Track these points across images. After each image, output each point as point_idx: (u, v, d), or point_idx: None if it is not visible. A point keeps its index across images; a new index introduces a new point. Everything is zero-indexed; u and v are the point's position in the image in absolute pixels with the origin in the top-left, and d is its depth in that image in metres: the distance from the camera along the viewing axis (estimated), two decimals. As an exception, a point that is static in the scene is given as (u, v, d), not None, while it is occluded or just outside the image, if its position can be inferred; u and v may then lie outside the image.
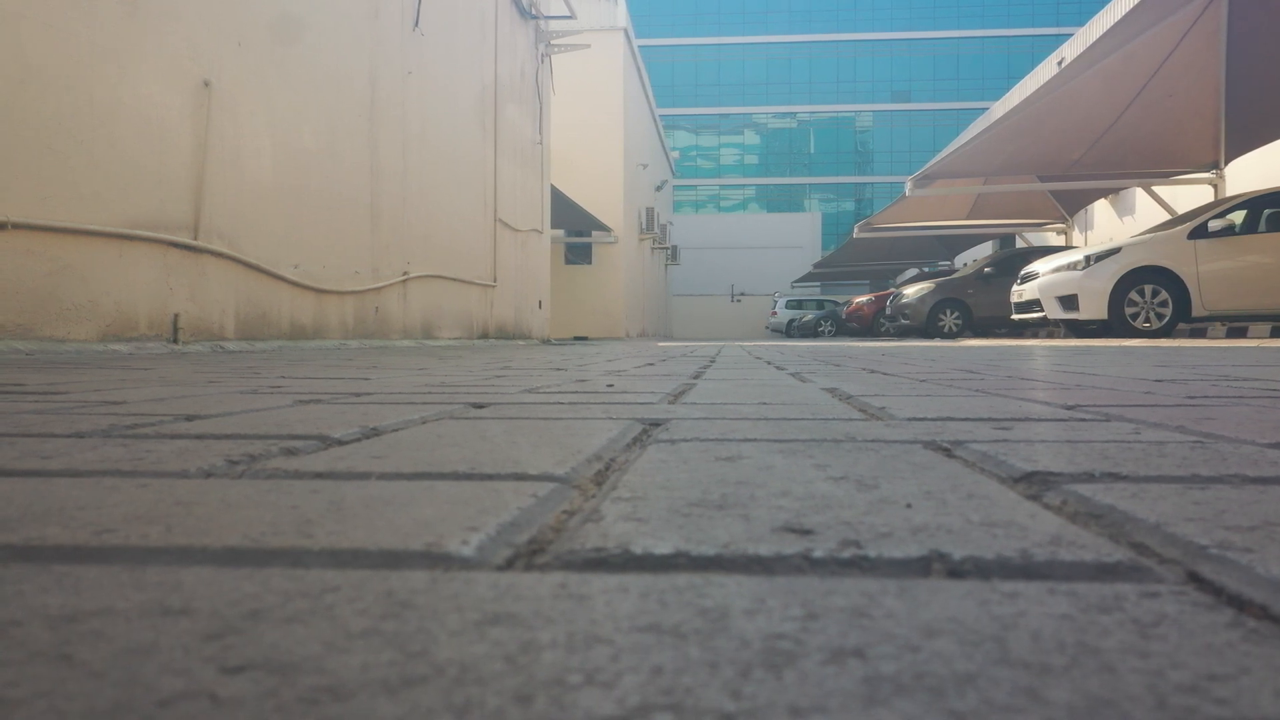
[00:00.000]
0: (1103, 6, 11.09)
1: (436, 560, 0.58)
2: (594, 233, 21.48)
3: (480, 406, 1.72)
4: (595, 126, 20.94)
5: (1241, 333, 11.22)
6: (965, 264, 21.63)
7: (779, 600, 0.49)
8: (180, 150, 5.51)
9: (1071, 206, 17.97)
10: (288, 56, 6.70)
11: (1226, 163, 13.14)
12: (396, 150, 8.58)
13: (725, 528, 0.66)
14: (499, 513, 0.71)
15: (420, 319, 9.27)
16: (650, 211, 26.16)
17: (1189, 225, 9.90)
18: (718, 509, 0.73)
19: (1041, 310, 10.86)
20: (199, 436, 1.21)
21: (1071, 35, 12.21)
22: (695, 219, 45.71)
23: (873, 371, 3.18)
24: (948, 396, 1.93)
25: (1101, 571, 0.55)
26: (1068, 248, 14.90)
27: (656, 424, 1.39)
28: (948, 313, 15.04)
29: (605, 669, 0.39)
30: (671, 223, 37.53)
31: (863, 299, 21.18)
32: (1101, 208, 17.30)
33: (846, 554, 0.58)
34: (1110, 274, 9.85)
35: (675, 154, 42.64)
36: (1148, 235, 10.30)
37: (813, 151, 57.94)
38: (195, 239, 5.63)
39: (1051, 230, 19.12)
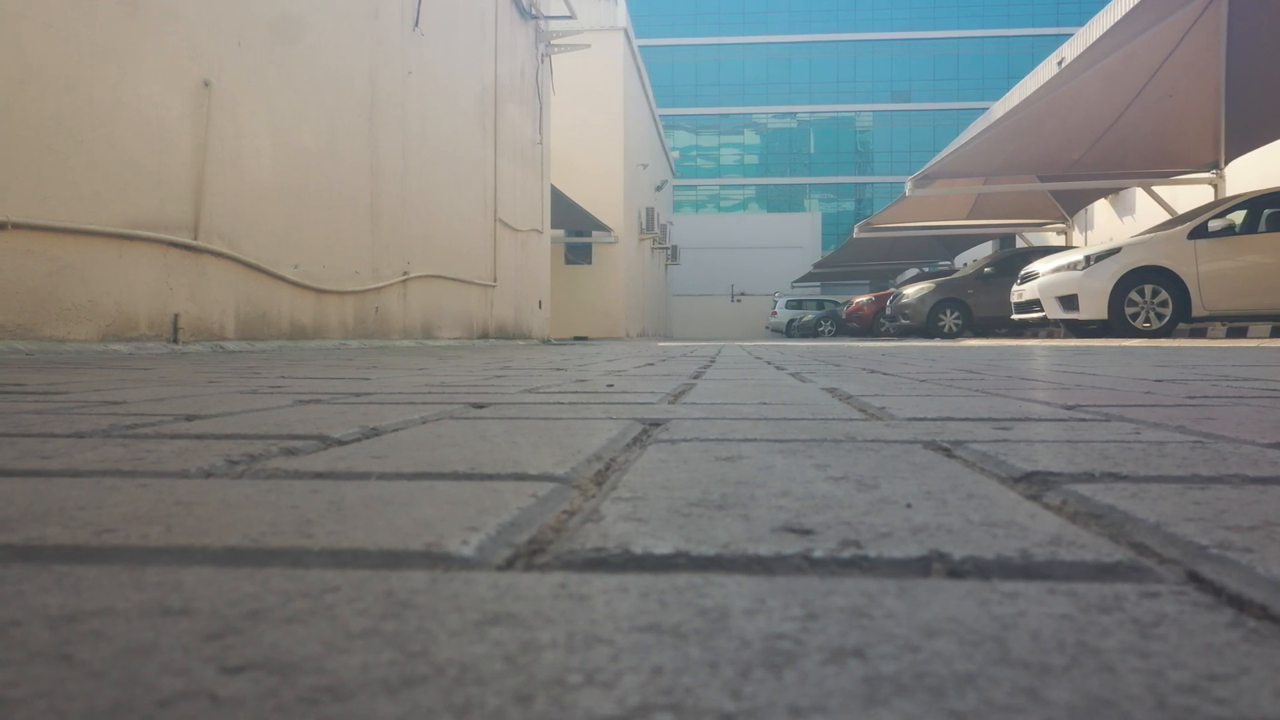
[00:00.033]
0: (1103, 6, 11.09)
1: (436, 560, 0.58)
2: (594, 233, 21.48)
3: (480, 406, 1.72)
4: (595, 126, 20.94)
5: (1241, 333, 11.22)
6: (965, 264, 21.63)
7: (779, 600, 0.49)
8: (180, 150, 5.52)
9: (1071, 206, 17.97)
10: (288, 56, 6.70)
11: (1226, 163, 13.15)
12: (396, 150, 8.58)
13: (725, 528, 0.66)
14: (499, 513, 0.71)
15: (420, 319, 9.27)
16: (650, 211, 26.16)
17: (1189, 225, 9.90)
18: (718, 509, 0.73)
19: (1041, 310, 10.87)
20: (199, 436, 1.21)
21: (1071, 35, 12.21)
22: (695, 219, 45.71)
23: (872, 371, 3.18)
24: (948, 396, 1.93)
25: (1101, 571, 0.55)
26: (1068, 248, 14.90)
27: (656, 424, 1.39)
28: (948, 313, 15.04)
29: (605, 669, 0.39)
30: (671, 223, 37.53)
31: (863, 299, 21.18)
32: (1101, 208, 17.30)
33: (846, 554, 0.58)
34: (1110, 274, 9.85)
35: (675, 154, 42.64)
36: (1148, 235, 10.30)
37: (813, 151, 57.94)
38: (195, 239, 5.63)
39: (1051, 230, 19.12)
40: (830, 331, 27.16)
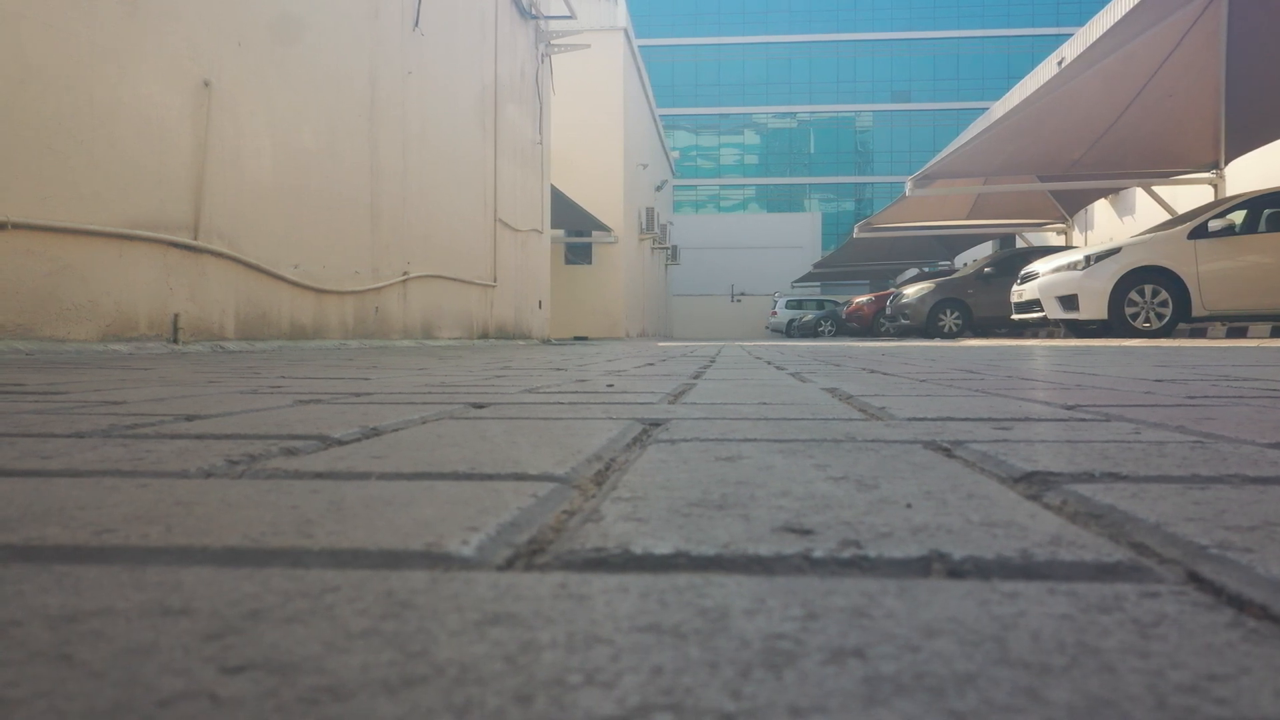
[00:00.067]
0: (1103, 6, 11.09)
1: (436, 560, 0.58)
2: (594, 233, 21.48)
3: (480, 406, 1.72)
4: (595, 126, 20.94)
5: (1241, 333, 11.22)
6: (965, 264, 21.62)
7: (779, 600, 0.49)
8: (180, 150, 5.52)
9: (1071, 206, 17.97)
10: (288, 56, 6.70)
11: (1226, 163, 13.15)
12: (396, 150, 8.58)
13: (725, 528, 0.66)
14: (499, 513, 0.71)
15: (420, 319, 9.27)
16: (650, 211, 26.16)
17: (1189, 225, 9.90)
18: (718, 509, 0.73)
19: (1041, 310, 10.87)
20: (199, 436, 1.21)
21: (1071, 35, 12.21)
22: (695, 219, 45.71)
23: (872, 371, 3.18)
24: (948, 396, 1.93)
25: (1101, 571, 0.55)
26: (1068, 248, 14.90)
27: (656, 424, 1.39)
28: (948, 313, 15.04)
29: (605, 669, 0.39)
30: (671, 223, 37.53)
31: (863, 299, 21.17)
32: (1101, 208, 17.31)
33: (846, 554, 0.58)
34: (1110, 274, 9.85)
35: (675, 154, 42.65)
36: (1148, 235, 10.30)
37: (813, 151, 57.95)
38: (195, 239, 5.64)
39: (1051, 230, 19.12)
40: (830, 331, 27.16)
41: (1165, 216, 13.45)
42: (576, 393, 2.09)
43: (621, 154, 21.46)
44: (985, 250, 23.76)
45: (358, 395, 1.99)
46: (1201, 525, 0.65)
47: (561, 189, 16.66)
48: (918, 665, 0.39)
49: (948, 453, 1.06)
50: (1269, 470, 0.91)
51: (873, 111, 57.20)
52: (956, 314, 14.99)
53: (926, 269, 26.79)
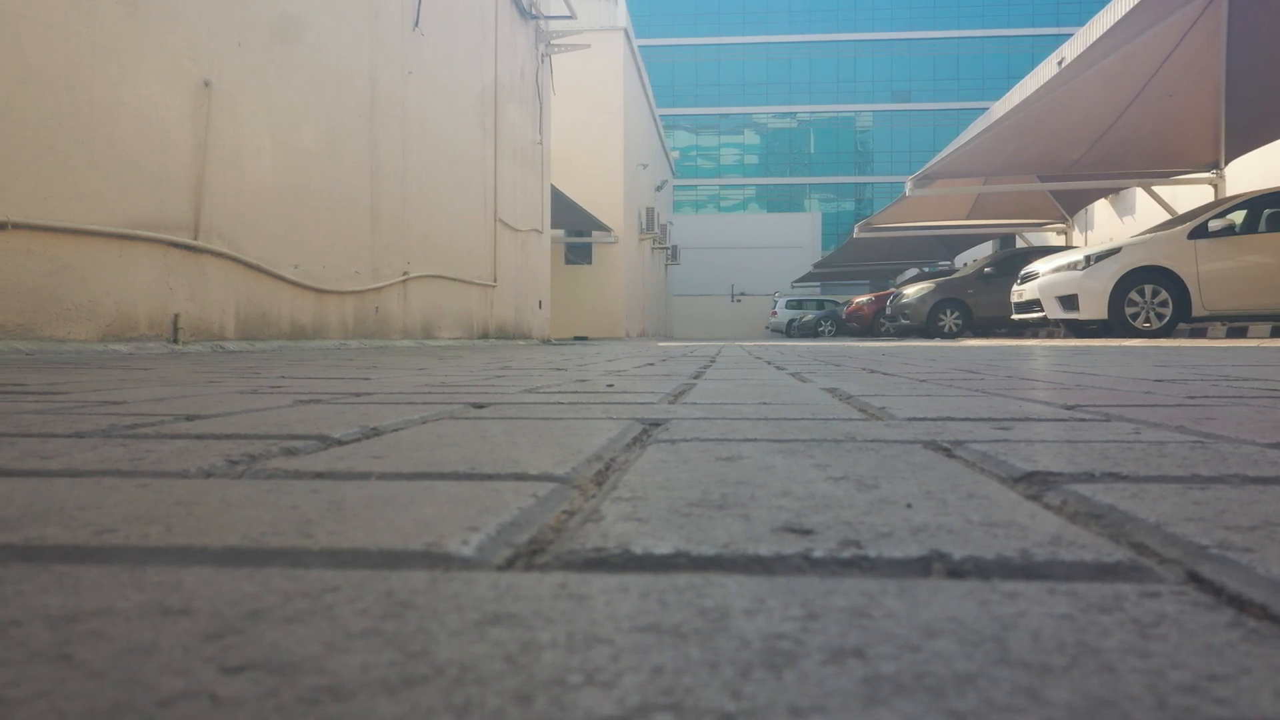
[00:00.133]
0: (1103, 6, 11.09)
1: (436, 560, 0.58)
2: (594, 233, 21.48)
3: (480, 406, 1.72)
4: (595, 126, 20.94)
5: (1241, 333, 11.22)
6: (965, 264, 21.63)
7: (779, 600, 0.49)
8: (180, 150, 5.52)
9: (1071, 206, 17.97)
10: (288, 56, 6.70)
11: (1226, 163, 13.15)
12: (396, 150, 8.58)
13: (725, 528, 0.66)
14: (499, 513, 0.71)
15: (420, 319, 9.27)
16: (650, 211, 26.16)
17: (1189, 225, 9.91)
18: (718, 509, 0.73)
19: (1041, 310, 10.87)
20: (199, 436, 1.21)
21: (1071, 35, 12.21)
22: (695, 219, 45.71)
23: (873, 371, 3.18)
24: (948, 396, 1.93)
25: (1101, 571, 0.55)
26: (1068, 248, 14.90)
27: (656, 424, 1.39)
28: (948, 313, 15.04)
29: (605, 669, 0.39)
30: (671, 223, 37.53)
31: (863, 299, 21.18)
32: (1101, 208, 17.31)
33: (846, 554, 0.58)
34: (1110, 274, 9.85)
35: (675, 154, 42.65)
36: (1148, 235, 10.30)
37: (813, 151, 57.95)
38: (195, 239, 5.64)
39: (1051, 230, 19.12)
40: (830, 331, 27.16)
41: (1165, 216, 13.45)
42: (576, 393, 2.09)
43: (621, 154, 21.46)
44: (985, 250, 23.76)
45: (358, 395, 1.99)
46: (1201, 525, 0.65)
47: (561, 189, 16.66)
48: (918, 665, 0.39)
49: (948, 453, 1.06)
50: (1269, 470, 0.91)
51: (873, 111, 57.20)
52: (956, 314, 14.99)
53: (926, 269, 26.79)
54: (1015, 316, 11.89)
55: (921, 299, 15.18)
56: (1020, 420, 1.41)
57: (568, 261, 21.81)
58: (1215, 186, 13.39)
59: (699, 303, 40.07)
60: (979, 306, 14.82)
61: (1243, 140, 12.47)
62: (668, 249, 33.10)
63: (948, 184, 16.42)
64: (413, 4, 8.84)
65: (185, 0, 5.53)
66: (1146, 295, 9.82)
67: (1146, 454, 1.02)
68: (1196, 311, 9.76)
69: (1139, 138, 13.23)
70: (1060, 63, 11.89)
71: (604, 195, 21.01)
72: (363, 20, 7.89)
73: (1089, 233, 17.85)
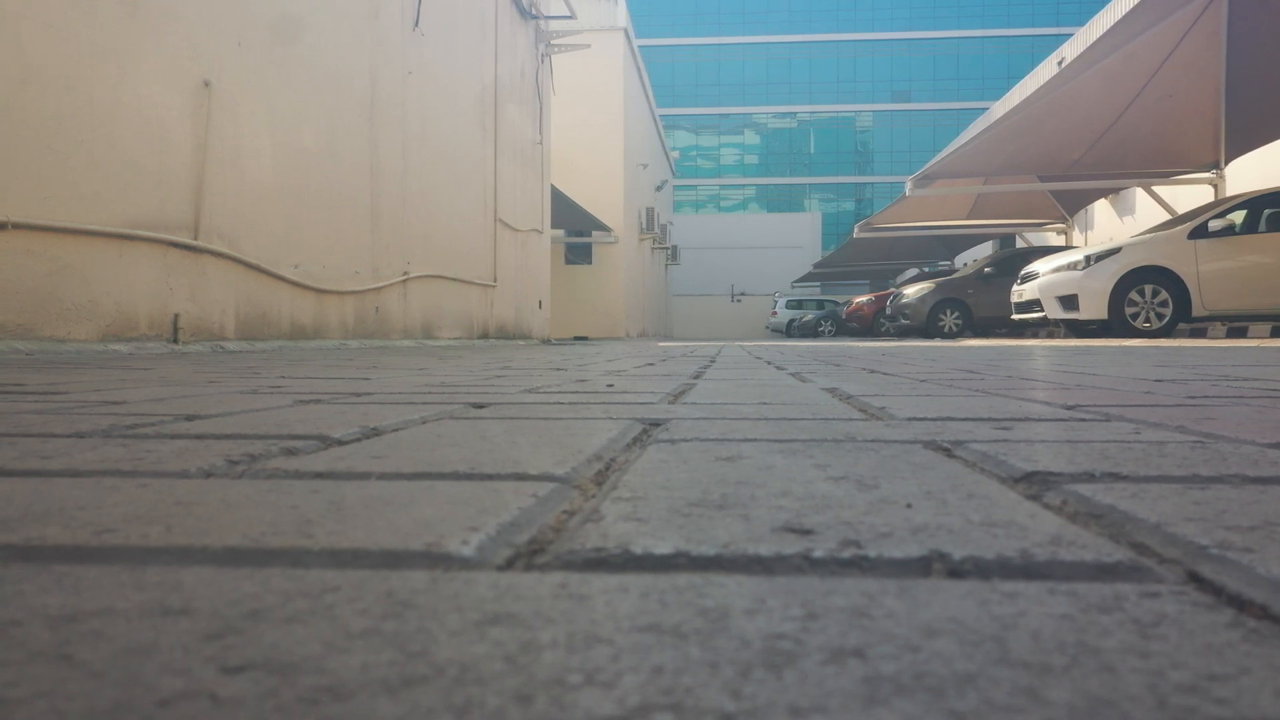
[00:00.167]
0: (1103, 6, 11.09)
1: (436, 560, 0.58)
2: (594, 233, 21.48)
3: (480, 406, 1.72)
4: (595, 126, 20.94)
5: (1241, 333, 11.22)
6: (965, 264, 21.63)
7: (779, 600, 0.49)
8: (180, 150, 5.52)
9: (1071, 206, 17.97)
10: (288, 56, 6.70)
11: (1226, 163, 13.15)
12: (396, 150, 8.58)
13: (725, 528, 0.66)
14: (499, 513, 0.71)
15: (420, 319, 9.27)
16: (650, 211, 26.16)
17: (1189, 225, 9.91)
18: (718, 509, 0.73)
19: (1041, 310, 10.87)
20: (199, 436, 1.21)
21: (1071, 35, 12.21)
22: (695, 219, 45.71)
23: (873, 371, 3.18)
24: (948, 396, 1.93)
25: (1101, 571, 0.55)
26: (1068, 248, 14.90)
27: (656, 424, 1.39)
28: (948, 313, 15.04)
29: (605, 669, 0.39)
30: (671, 223, 37.53)
31: (863, 299, 21.17)
32: (1101, 208, 17.31)
33: (846, 554, 0.58)
34: (1110, 274, 9.85)
35: (675, 154, 42.65)
36: (1148, 235, 10.30)
37: (813, 151, 57.95)
38: (195, 239, 5.64)
39: (1051, 230, 19.12)
40: (830, 331, 27.16)
41: (1165, 216, 13.45)
42: (576, 393, 2.09)
43: (621, 154, 21.46)
44: (985, 250, 23.76)
45: (358, 395, 1.99)
46: (1201, 525, 0.65)
47: (561, 189, 16.66)
48: (918, 665, 0.39)
49: (948, 453, 1.06)
50: (1269, 470, 0.91)
51: (873, 111, 57.20)
52: (956, 314, 14.99)
53: (926, 269, 26.79)
54: (1015, 316, 11.89)
55: (921, 299, 15.18)
56: (1020, 420, 1.41)
57: (568, 261, 21.81)
58: (1215, 186, 13.39)
59: (699, 303, 40.07)
60: (979, 306, 14.82)
61: (1243, 140, 12.47)
62: (668, 249, 33.10)
63: (948, 184, 16.42)
64: (413, 4, 8.84)
65: (185, 0, 5.53)
66: (1146, 295, 9.83)
67: (1146, 454, 1.02)
68: (1196, 311, 9.76)
69: (1139, 138, 13.23)
70: (1060, 63, 11.89)
71: (604, 195, 21.01)
72: (363, 20, 7.89)
73: (1089, 233, 17.85)
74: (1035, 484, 0.84)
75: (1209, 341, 9.03)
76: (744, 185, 58.06)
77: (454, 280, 10.11)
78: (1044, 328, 13.86)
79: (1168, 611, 0.47)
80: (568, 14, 13.99)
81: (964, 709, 0.35)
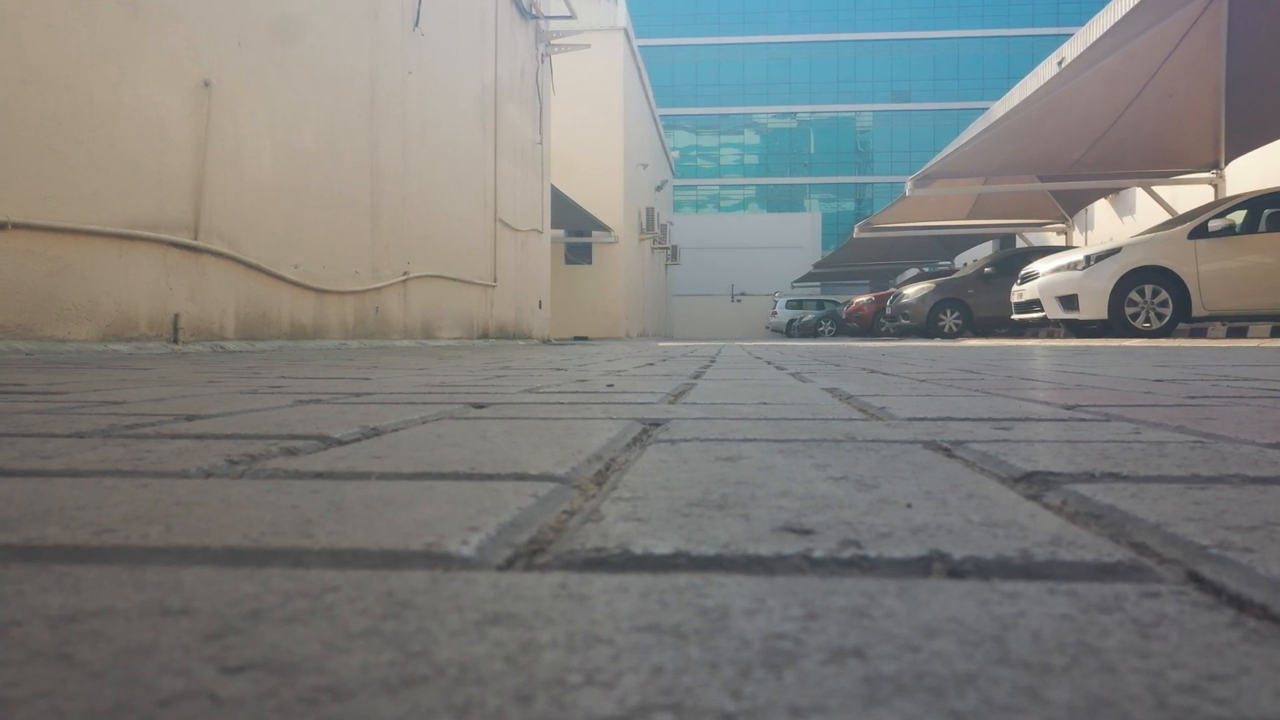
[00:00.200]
0: (1103, 6, 11.09)
1: (436, 560, 0.58)
2: (594, 233, 21.48)
3: (480, 406, 1.72)
4: (595, 126, 20.94)
5: (1241, 333, 11.22)
6: (965, 264, 21.63)
7: (779, 600, 0.49)
8: (180, 150, 5.52)
9: (1071, 206, 17.97)
10: (288, 56, 6.70)
11: (1226, 163, 13.15)
12: (396, 150, 8.58)
13: (725, 528, 0.66)
14: (499, 513, 0.71)
15: (420, 319, 9.27)
16: (650, 211, 26.16)
17: (1189, 225, 9.91)
18: (718, 509, 0.73)
19: (1041, 310, 10.87)
20: (199, 436, 1.21)
21: (1071, 35, 12.21)
22: (695, 219, 45.71)
23: (872, 371, 3.18)
24: (948, 396, 1.93)
25: (1101, 571, 0.55)
26: (1068, 248, 14.90)
27: (656, 424, 1.39)
28: (948, 313, 15.04)
29: (605, 669, 0.39)
30: (671, 223, 37.53)
31: (863, 299, 21.18)
32: (1101, 208, 17.31)
33: (846, 554, 0.58)
34: (1110, 274, 9.85)
35: (675, 154, 42.64)
36: (1148, 235, 10.30)
37: (813, 151, 57.95)
38: (195, 239, 5.64)
39: (1051, 230, 19.12)
40: (830, 331, 27.16)
41: (1165, 216, 13.45)
42: (576, 393, 2.09)
43: (621, 154, 21.46)
44: (985, 250, 23.76)
45: (358, 395, 1.99)
46: (1201, 525, 0.65)
47: (561, 189, 16.66)
48: (918, 665, 0.39)
49: (948, 453, 1.06)
50: (1269, 470, 0.91)
51: (873, 111, 57.21)
52: (956, 314, 14.99)
53: (926, 269, 26.79)
54: (1015, 316, 11.89)
55: (921, 299, 15.18)
56: (1020, 420, 1.41)
57: (568, 261, 21.81)
58: (1215, 186, 13.39)
59: (699, 303, 40.07)
60: (979, 306, 14.82)
61: (1243, 140, 12.47)
62: (668, 249, 33.10)
63: (948, 184, 16.42)
64: (413, 4, 8.84)
65: (185, 0, 5.53)
66: (1146, 295, 9.83)
67: (1146, 454, 1.02)
68: (1196, 311, 9.76)
69: (1139, 138, 13.23)
70: (1060, 63, 11.89)
71: (604, 195, 21.01)
72: (363, 20, 7.89)
73: (1089, 233, 17.85)
74: (1035, 484, 0.84)
75: (1209, 341, 9.03)
76: (744, 185, 58.06)
77: (454, 280, 10.11)
78: (1044, 328, 13.86)
79: (1168, 611, 0.47)
80: (568, 14, 13.99)
81: (964, 709, 0.35)
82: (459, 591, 0.51)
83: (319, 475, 0.90)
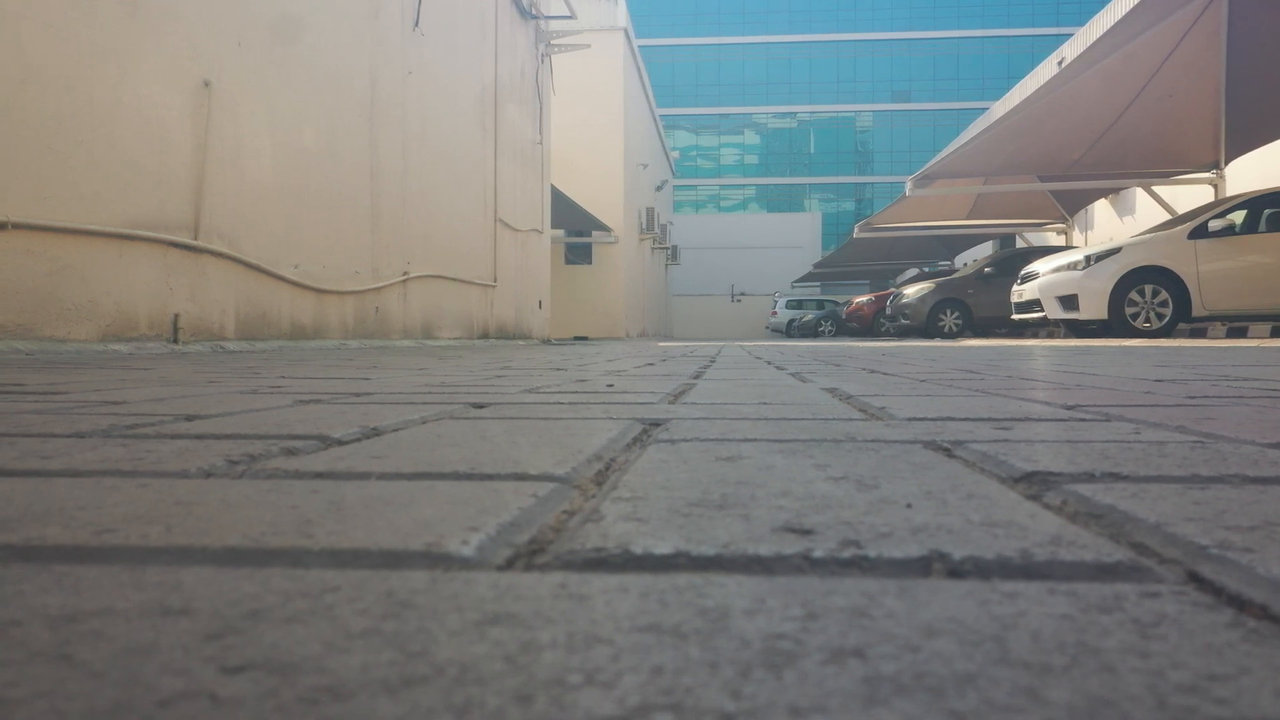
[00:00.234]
0: (1103, 6, 11.09)
1: (436, 560, 0.58)
2: (594, 233, 21.48)
3: (480, 406, 1.72)
4: (595, 126, 20.94)
5: (1241, 333, 11.22)
6: (965, 264, 21.63)
7: (779, 600, 0.49)
8: (180, 150, 5.52)
9: (1071, 206, 17.97)
10: (288, 56, 6.70)
11: (1226, 163, 13.15)
12: (396, 150, 8.58)
13: (725, 528, 0.66)
14: (499, 513, 0.71)
15: (420, 319, 9.27)
16: (650, 211, 26.16)
17: (1189, 225, 9.91)
18: (718, 509, 0.73)
19: (1041, 310, 10.87)
20: (199, 436, 1.21)
21: (1071, 35, 12.21)
22: (695, 219, 45.71)
23: (873, 371, 3.18)
24: (948, 396, 1.93)
25: (1101, 571, 0.55)
26: (1068, 248, 14.90)
27: (656, 424, 1.39)
28: (948, 313, 15.04)
29: (605, 669, 0.39)
30: (671, 223, 37.53)
31: (863, 299, 21.18)
32: (1101, 208, 17.31)
33: (846, 554, 0.58)
34: (1110, 274, 9.85)
35: (675, 154, 42.64)
36: (1148, 235, 10.30)
37: (813, 151, 57.95)
38: (195, 239, 5.64)
39: (1051, 230, 19.12)
40: (830, 331, 27.16)
41: (1165, 216, 13.45)
42: (576, 393, 2.09)
43: (621, 154, 21.46)
44: (985, 250, 23.76)
45: (358, 395, 1.99)
46: (1201, 525, 0.65)
47: (561, 189, 16.66)
48: (918, 665, 0.39)
49: (948, 453, 1.06)
50: (1269, 470, 0.91)
51: (873, 111, 57.21)
52: (956, 314, 14.99)
53: (926, 269, 26.79)
54: (1015, 316, 11.89)
55: (921, 299, 15.18)
56: (1020, 420, 1.41)
57: (568, 261, 21.80)
58: (1215, 186, 13.39)
59: (699, 303, 40.07)
60: (979, 306, 14.82)
61: (1243, 140, 12.47)
62: (668, 249, 33.10)
63: (948, 184, 16.42)
64: (413, 4, 8.84)
65: (185, 0, 5.53)
66: (1146, 295, 9.83)
67: (1146, 454, 1.02)
68: (1196, 311, 9.76)
69: (1139, 138, 13.23)
70: (1060, 63, 11.89)
71: (604, 195, 21.01)
72: (363, 20, 7.89)
73: (1089, 233, 17.85)
74: (1035, 484, 0.84)
75: (1209, 341, 9.03)
76: (744, 185, 58.06)
77: (454, 280, 10.11)
78: (1044, 328, 13.86)
79: (1168, 611, 0.47)
80: (568, 14, 13.99)
81: (964, 709, 0.35)
82: (459, 591, 0.51)
83: (319, 475, 0.90)
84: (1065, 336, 11.97)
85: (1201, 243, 9.73)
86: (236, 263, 6.07)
